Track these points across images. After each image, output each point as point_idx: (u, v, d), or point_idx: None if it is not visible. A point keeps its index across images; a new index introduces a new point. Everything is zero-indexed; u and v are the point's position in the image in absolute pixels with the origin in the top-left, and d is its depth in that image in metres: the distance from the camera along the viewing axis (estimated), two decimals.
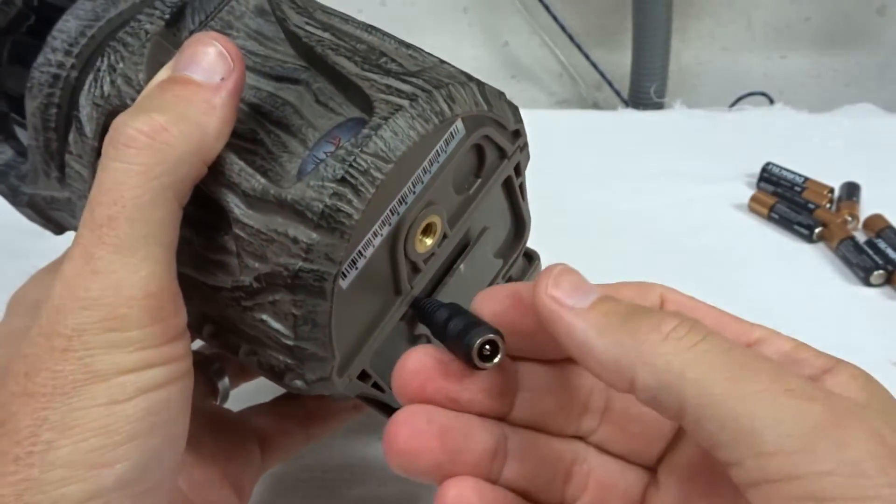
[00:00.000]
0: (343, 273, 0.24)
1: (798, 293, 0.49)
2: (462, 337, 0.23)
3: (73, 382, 0.21)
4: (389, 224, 0.25)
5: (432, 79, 0.25)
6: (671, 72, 0.81)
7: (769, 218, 0.55)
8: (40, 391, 0.21)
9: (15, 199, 0.32)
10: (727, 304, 0.48)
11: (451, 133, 0.26)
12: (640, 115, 0.72)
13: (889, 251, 0.50)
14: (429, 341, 0.31)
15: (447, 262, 0.30)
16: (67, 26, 0.28)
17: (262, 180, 0.23)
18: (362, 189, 0.23)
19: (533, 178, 0.62)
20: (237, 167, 0.24)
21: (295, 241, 0.23)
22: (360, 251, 0.24)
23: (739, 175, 0.60)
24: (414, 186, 0.25)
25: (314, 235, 0.23)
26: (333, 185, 0.23)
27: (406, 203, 0.25)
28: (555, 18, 0.82)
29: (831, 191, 0.57)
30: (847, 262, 0.51)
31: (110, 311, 0.21)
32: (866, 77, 0.87)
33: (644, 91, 0.79)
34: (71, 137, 0.27)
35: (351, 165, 0.23)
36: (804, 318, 0.46)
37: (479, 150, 0.28)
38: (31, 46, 0.29)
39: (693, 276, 0.51)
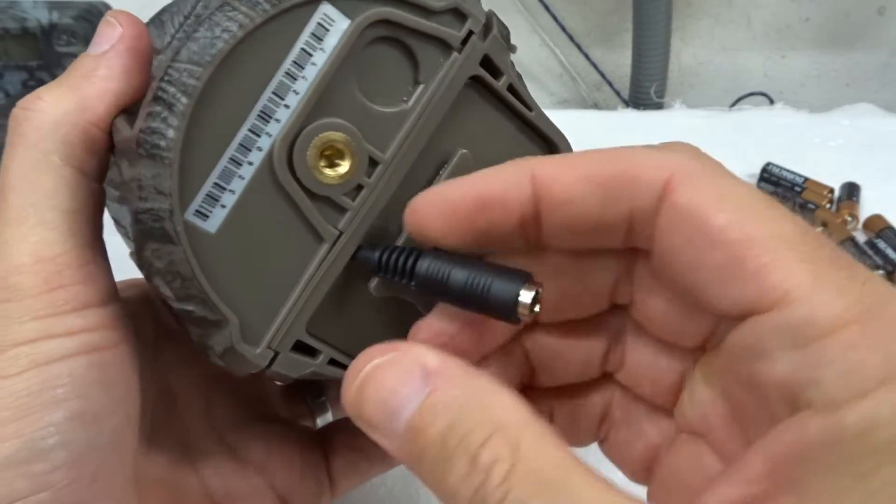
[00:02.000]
0: (201, 212, 0.21)
1: None
2: (491, 292, 0.19)
3: None
4: (258, 148, 0.21)
5: None
6: (671, 72, 0.81)
7: None
8: None
9: None
10: None
11: (319, 24, 0.21)
12: (640, 115, 0.72)
13: (889, 251, 0.50)
14: (416, 307, 0.25)
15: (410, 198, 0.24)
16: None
17: (127, 131, 0.21)
18: (173, 102, 0.20)
19: None
20: (118, 127, 0.22)
21: (133, 179, 0.20)
22: (217, 184, 0.21)
23: (739, 175, 0.60)
24: (280, 97, 0.21)
25: (140, 169, 0.20)
26: (148, 105, 0.20)
27: (276, 119, 0.21)
28: (555, 18, 0.82)
29: (831, 191, 0.57)
30: None
31: (1, 281, 0.20)
32: (866, 77, 0.87)
33: (644, 91, 0.79)
34: None
35: (161, 80, 0.20)
36: None
37: (402, 47, 0.22)
38: None
39: None
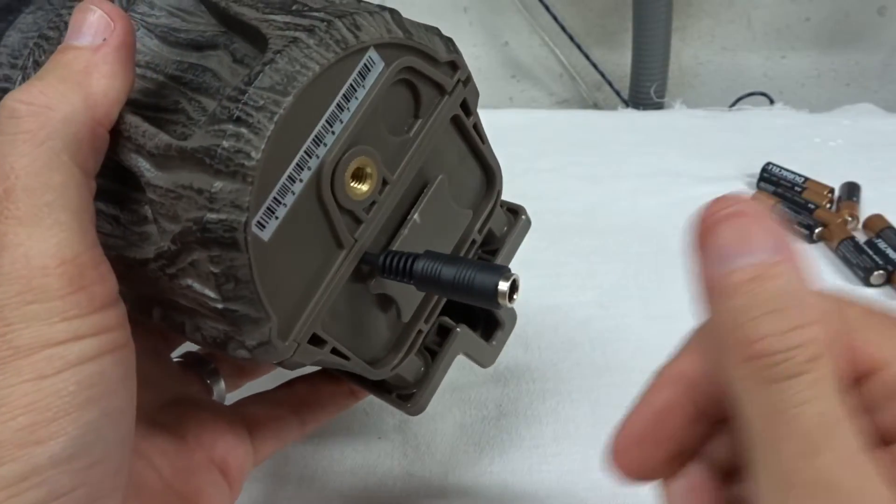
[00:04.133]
0: (260, 223, 0.23)
1: None
2: (475, 283, 0.24)
3: None
4: (308, 168, 0.24)
5: (336, 10, 0.24)
6: (671, 72, 0.81)
7: None
8: None
9: None
10: None
11: (364, 65, 0.24)
12: (640, 115, 0.72)
13: (889, 251, 0.50)
14: (395, 302, 0.30)
15: (401, 212, 0.28)
16: (10, 41, 0.28)
17: (165, 137, 0.22)
18: (260, 127, 0.22)
19: (533, 178, 0.62)
20: (142, 129, 0.23)
21: (199, 192, 0.22)
22: (275, 198, 0.23)
23: (739, 175, 0.60)
24: (330, 125, 0.24)
25: (216, 182, 0.22)
26: (228, 125, 0.22)
27: (324, 144, 0.24)
28: (555, 18, 0.82)
29: (831, 191, 0.57)
30: (847, 262, 0.51)
31: (25, 283, 0.21)
32: (866, 77, 0.87)
33: (644, 91, 0.79)
34: None
35: (244, 104, 0.22)
36: None
37: (411, 87, 0.27)
38: None
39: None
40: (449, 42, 0.28)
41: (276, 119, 0.22)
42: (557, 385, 0.38)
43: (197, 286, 0.23)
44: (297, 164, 0.23)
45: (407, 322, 0.31)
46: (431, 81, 0.27)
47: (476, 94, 0.29)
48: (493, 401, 0.42)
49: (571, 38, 0.84)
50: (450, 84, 0.28)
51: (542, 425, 0.40)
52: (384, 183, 0.26)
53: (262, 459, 0.33)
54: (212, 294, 0.23)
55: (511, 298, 0.24)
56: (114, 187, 0.24)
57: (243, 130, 0.22)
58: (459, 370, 0.43)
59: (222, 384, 0.35)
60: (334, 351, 0.27)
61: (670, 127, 0.67)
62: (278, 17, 0.24)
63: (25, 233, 0.21)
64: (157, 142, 0.23)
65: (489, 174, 0.32)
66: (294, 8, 0.24)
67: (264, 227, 0.23)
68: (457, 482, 0.38)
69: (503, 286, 0.24)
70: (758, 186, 0.58)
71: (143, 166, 0.23)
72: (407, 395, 0.32)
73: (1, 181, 0.21)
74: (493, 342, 0.35)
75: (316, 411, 0.35)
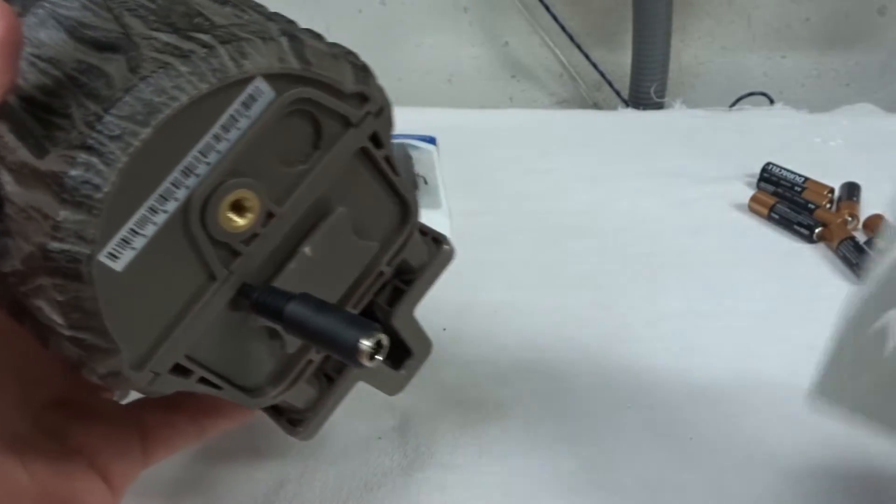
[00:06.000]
0: (112, 254, 0.21)
1: (798, 293, 0.49)
2: (341, 335, 0.23)
3: None
4: (175, 199, 0.22)
5: (226, 34, 0.22)
6: (671, 72, 0.81)
7: (769, 218, 0.55)
8: None
9: None
10: (728, 305, 0.48)
11: (249, 95, 0.23)
12: (640, 115, 0.72)
13: None
14: (280, 333, 0.28)
15: (293, 244, 0.27)
16: None
17: (23, 153, 0.21)
18: (112, 158, 0.20)
19: (533, 178, 0.62)
20: (4, 140, 0.22)
21: (46, 217, 0.21)
22: (132, 229, 0.22)
23: (739, 175, 0.60)
24: (204, 155, 0.22)
25: (61, 211, 0.20)
26: (80, 153, 0.20)
27: (195, 174, 0.22)
28: (555, 18, 0.82)
29: (831, 191, 0.57)
30: (847, 262, 0.51)
31: None
32: (866, 77, 0.87)
33: (644, 91, 0.79)
34: None
35: (98, 131, 0.20)
36: (804, 318, 0.46)
37: (311, 117, 0.25)
38: None
39: (693, 276, 0.51)
40: (360, 71, 0.26)
41: (130, 151, 0.20)
42: (558, 385, 0.38)
43: (47, 310, 0.22)
44: (161, 195, 0.22)
45: (294, 352, 0.29)
46: (334, 113, 0.26)
47: (390, 125, 0.28)
48: (494, 401, 0.42)
49: (571, 38, 0.84)
50: (356, 116, 0.26)
51: (543, 425, 0.40)
52: (270, 215, 0.25)
53: (152, 464, 0.32)
54: (59, 321, 0.22)
55: (373, 359, 0.23)
56: None
57: (94, 160, 0.20)
58: (460, 369, 0.43)
59: None
60: (203, 380, 0.26)
61: (670, 127, 0.67)
62: (162, 36, 0.22)
63: None
64: (15, 157, 0.22)
65: (404, 207, 0.30)
66: (193, 23, 0.23)
67: (117, 258, 0.22)
68: (457, 482, 0.38)
69: (365, 345, 0.23)
70: (758, 186, 0.58)
71: (5, 178, 0.22)
72: (298, 419, 0.31)
73: None
74: (403, 370, 0.33)
75: (216, 419, 0.33)
